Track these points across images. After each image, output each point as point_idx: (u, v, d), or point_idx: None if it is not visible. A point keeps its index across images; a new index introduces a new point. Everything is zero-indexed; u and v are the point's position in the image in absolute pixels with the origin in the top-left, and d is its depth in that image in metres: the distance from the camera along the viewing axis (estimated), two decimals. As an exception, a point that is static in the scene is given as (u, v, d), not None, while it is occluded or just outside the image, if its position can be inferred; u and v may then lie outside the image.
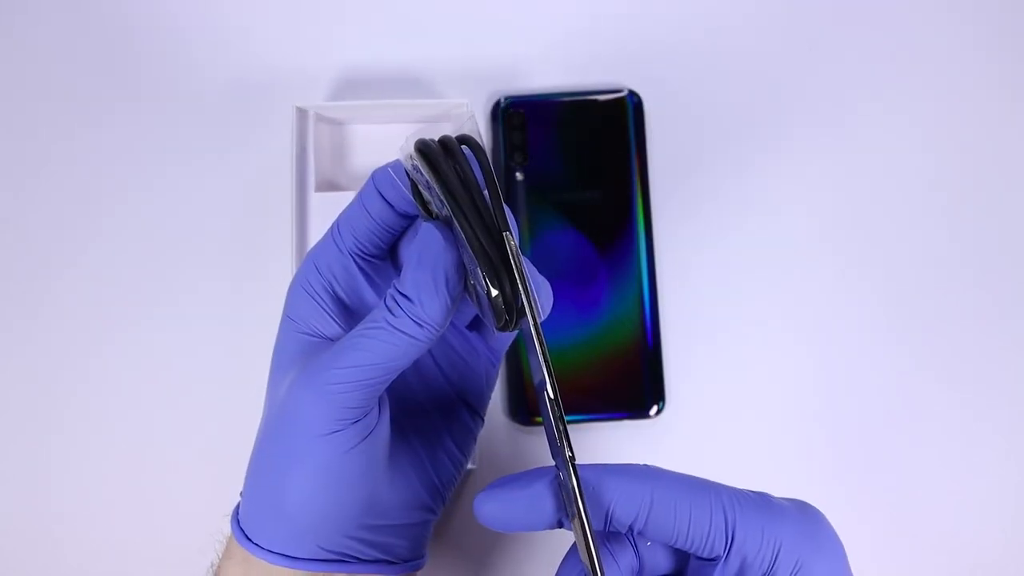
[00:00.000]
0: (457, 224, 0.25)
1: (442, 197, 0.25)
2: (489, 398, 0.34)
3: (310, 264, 0.30)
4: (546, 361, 0.25)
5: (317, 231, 0.44)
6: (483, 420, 0.34)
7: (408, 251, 0.27)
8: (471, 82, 0.48)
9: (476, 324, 0.33)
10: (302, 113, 0.44)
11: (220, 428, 0.44)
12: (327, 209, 0.43)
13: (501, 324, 0.26)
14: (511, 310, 0.25)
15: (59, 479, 0.44)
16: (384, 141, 0.47)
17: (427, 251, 0.26)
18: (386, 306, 0.26)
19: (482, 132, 0.47)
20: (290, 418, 0.27)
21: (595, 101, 0.47)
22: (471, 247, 0.25)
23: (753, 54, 0.49)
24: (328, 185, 0.46)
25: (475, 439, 0.34)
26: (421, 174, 0.26)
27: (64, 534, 0.44)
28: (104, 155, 0.47)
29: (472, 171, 0.26)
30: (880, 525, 0.44)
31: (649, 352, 0.45)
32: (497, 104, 0.47)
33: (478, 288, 0.26)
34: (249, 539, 0.29)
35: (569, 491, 0.24)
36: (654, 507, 0.24)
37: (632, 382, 0.44)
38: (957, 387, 0.46)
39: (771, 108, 0.48)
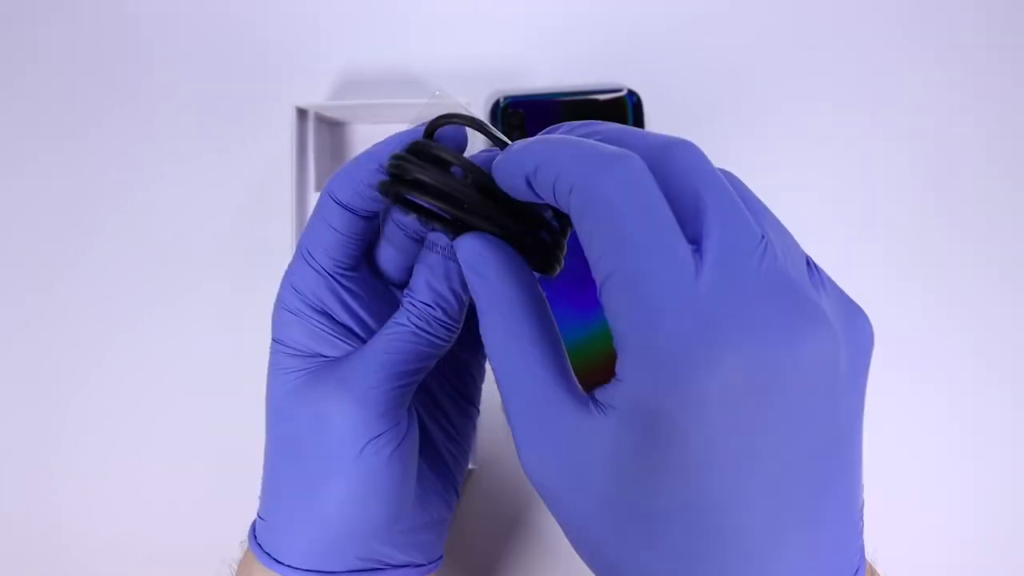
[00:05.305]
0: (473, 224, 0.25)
1: (439, 210, 0.25)
2: (480, 389, 0.35)
3: (289, 290, 0.29)
4: None
5: (317, 231, 0.44)
6: (479, 411, 0.35)
7: (418, 266, 0.28)
8: (471, 82, 0.48)
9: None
10: (302, 113, 0.44)
11: (221, 428, 0.44)
12: (327, 209, 0.43)
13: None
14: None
15: (60, 479, 0.44)
16: (384, 141, 0.47)
17: (438, 263, 0.28)
18: (407, 311, 0.28)
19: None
20: (324, 429, 0.28)
21: (594, 100, 0.47)
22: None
23: (753, 54, 0.49)
24: (328, 185, 0.46)
25: (476, 430, 0.35)
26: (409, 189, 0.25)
27: (66, 534, 0.44)
28: (104, 155, 0.47)
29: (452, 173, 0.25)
30: (881, 525, 0.44)
31: (649, 352, 0.45)
32: (497, 104, 0.47)
33: None
34: (277, 560, 0.29)
35: None
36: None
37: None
38: (959, 391, 0.46)
39: (770, 108, 0.48)
